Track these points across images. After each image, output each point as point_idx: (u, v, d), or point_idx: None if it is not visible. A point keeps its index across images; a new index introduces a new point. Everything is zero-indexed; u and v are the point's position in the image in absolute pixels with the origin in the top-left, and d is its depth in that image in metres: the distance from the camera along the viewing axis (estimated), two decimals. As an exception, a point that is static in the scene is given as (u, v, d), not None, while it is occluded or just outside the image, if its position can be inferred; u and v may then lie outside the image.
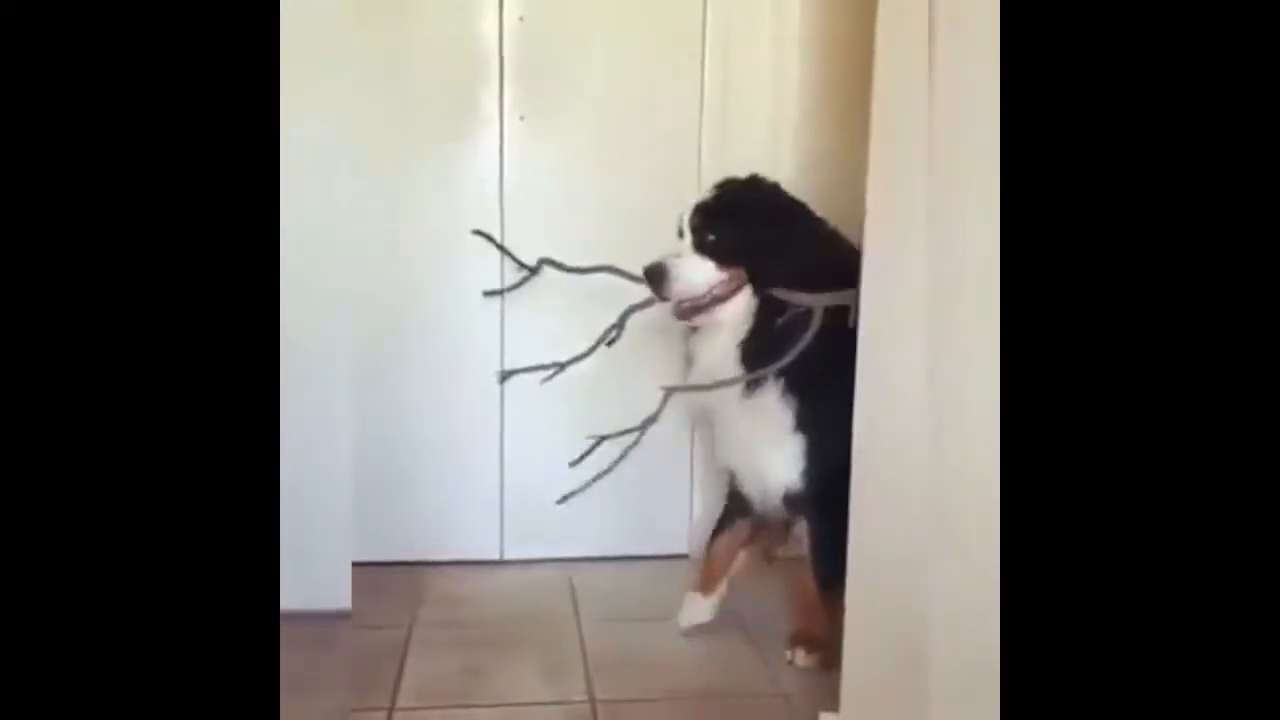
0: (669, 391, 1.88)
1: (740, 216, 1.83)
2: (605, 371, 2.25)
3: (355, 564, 2.23)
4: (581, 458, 2.03)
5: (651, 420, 1.93)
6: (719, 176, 1.99)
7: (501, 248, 2.19)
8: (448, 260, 2.28)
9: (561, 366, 2.08)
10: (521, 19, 2.20)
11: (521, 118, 2.24)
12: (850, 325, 1.55)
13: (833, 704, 1.52)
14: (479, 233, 2.18)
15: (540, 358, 2.24)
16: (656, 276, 1.84)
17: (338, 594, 2.00)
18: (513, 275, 2.22)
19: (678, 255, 1.85)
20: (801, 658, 1.89)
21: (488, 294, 2.24)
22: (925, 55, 1.23)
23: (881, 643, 1.36)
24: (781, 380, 1.80)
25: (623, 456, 2.07)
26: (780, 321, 1.76)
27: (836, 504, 1.50)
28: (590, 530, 2.40)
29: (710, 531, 2.10)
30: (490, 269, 2.27)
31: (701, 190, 1.94)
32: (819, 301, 1.73)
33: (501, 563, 2.38)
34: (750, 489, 1.96)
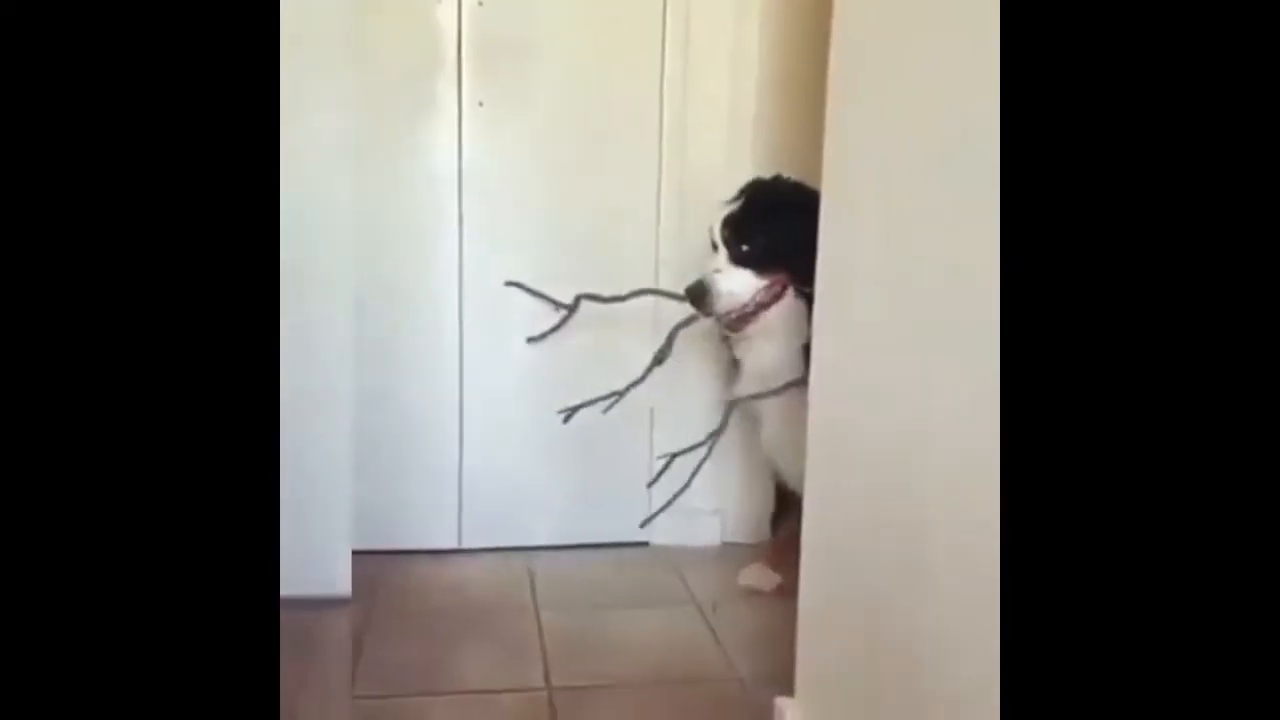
0: (731, 404, 1.96)
1: (769, 221, 1.86)
2: (562, 361, 2.26)
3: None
4: (656, 477, 2.12)
5: (718, 434, 2.02)
6: (681, 164, 2.01)
7: (535, 292, 2.19)
8: (409, 246, 2.26)
9: (620, 394, 2.09)
10: (480, 3, 2.18)
11: (480, 104, 2.23)
12: None
13: (788, 689, 1.53)
14: (513, 283, 2.18)
15: (505, 348, 2.25)
16: (699, 295, 1.88)
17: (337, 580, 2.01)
18: (481, 279, 2.22)
19: (716, 270, 1.89)
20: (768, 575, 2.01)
21: (532, 340, 2.22)
22: (881, 45, 1.24)
23: (837, 627, 1.37)
24: None
25: (694, 474, 2.12)
26: None
27: None
28: (549, 519, 2.40)
29: (770, 515, 2.21)
30: (449, 256, 2.25)
31: (724, 198, 1.96)
32: None
33: (460, 551, 2.37)
34: (795, 483, 1.95)
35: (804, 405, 1.74)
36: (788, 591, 1.90)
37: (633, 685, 1.79)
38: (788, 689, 1.53)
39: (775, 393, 1.89)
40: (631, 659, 1.88)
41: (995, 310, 0.80)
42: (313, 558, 1.95)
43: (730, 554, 2.34)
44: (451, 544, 2.37)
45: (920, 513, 1.12)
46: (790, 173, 1.94)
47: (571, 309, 2.12)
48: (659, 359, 2.03)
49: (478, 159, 2.24)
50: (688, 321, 1.99)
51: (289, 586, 1.17)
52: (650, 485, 2.03)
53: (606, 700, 1.74)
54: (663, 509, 2.15)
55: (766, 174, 2.00)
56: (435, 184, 2.24)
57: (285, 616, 0.92)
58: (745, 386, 2.00)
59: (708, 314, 1.91)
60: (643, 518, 2.43)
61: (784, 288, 1.88)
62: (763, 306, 1.89)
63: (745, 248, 1.88)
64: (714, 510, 2.41)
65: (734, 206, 1.91)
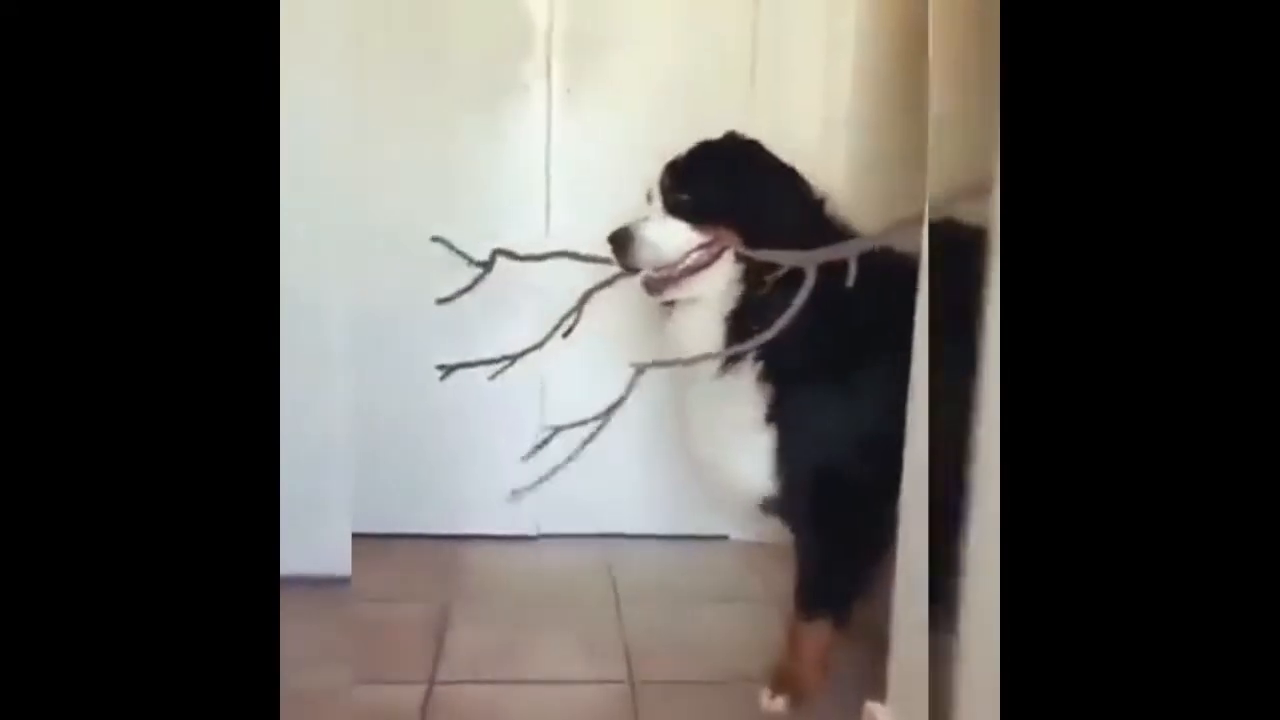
0: (639, 370, 1.52)
1: (718, 172, 1.60)
2: (651, 351, 2.24)
3: (390, 536, 2.25)
4: (533, 451, 1.70)
5: (616, 405, 1.59)
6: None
7: (453, 248, 1.83)
8: (492, 235, 2.26)
9: (512, 360, 1.77)
10: (571, -9, 2.17)
11: (568, 90, 2.21)
12: (849, 285, 1.37)
13: (879, 693, 1.49)
14: (438, 239, 1.83)
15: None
16: (622, 242, 1.60)
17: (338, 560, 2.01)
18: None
19: (645, 219, 1.62)
20: (766, 700, 1.67)
21: (441, 301, 1.83)
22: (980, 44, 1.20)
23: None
24: (760, 362, 1.54)
25: (584, 444, 1.67)
26: (765, 285, 1.48)
27: (826, 516, 1.41)
28: (629, 509, 2.38)
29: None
30: (536, 236, 2.25)
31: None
32: (813, 259, 1.43)
33: (537, 538, 2.37)
34: (715, 490, 1.77)
35: (728, 392, 1.55)
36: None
37: (716, 682, 1.76)
38: (878, 693, 1.49)
39: (680, 363, 1.57)
40: (714, 654, 1.86)
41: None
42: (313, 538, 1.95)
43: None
44: (529, 531, 2.37)
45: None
46: (888, 176, 1.84)
47: (486, 266, 1.79)
48: (566, 330, 1.74)
49: (566, 146, 2.23)
50: (605, 283, 1.71)
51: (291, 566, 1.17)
52: (525, 459, 1.66)
53: (688, 696, 1.72)
54: (534, 486, 1.70)
55: (860, 171, 1.95)
56: (525, 170, 2.23)
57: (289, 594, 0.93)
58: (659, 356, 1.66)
59: (629, 267, 1.61)
60: (724, 512, 2.41)
61: (720, 250, 1.57)
62: (691, 270, 1.58)
63: (684, 196, 1.59)
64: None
65: (680, 154, 1.65)
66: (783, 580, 2.16)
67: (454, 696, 1.68)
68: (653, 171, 2.20)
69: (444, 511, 2.33)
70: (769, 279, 1.48)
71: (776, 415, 1.55)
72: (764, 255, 1.50)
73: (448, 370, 1.75)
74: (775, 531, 2.34)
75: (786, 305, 1.41)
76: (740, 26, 2.22)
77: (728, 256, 1.57)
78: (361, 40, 2.11)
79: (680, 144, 2.18)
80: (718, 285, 1.58)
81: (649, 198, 1.65)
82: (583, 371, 2.28)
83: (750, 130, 2.20)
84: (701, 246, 1.58)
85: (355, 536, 2.31)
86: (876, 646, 1.47)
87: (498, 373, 1.72)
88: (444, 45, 2.18)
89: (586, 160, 2.24)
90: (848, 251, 1.42)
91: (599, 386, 1.59)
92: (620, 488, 2.36)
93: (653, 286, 1.62)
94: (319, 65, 2.09)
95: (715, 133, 2.20)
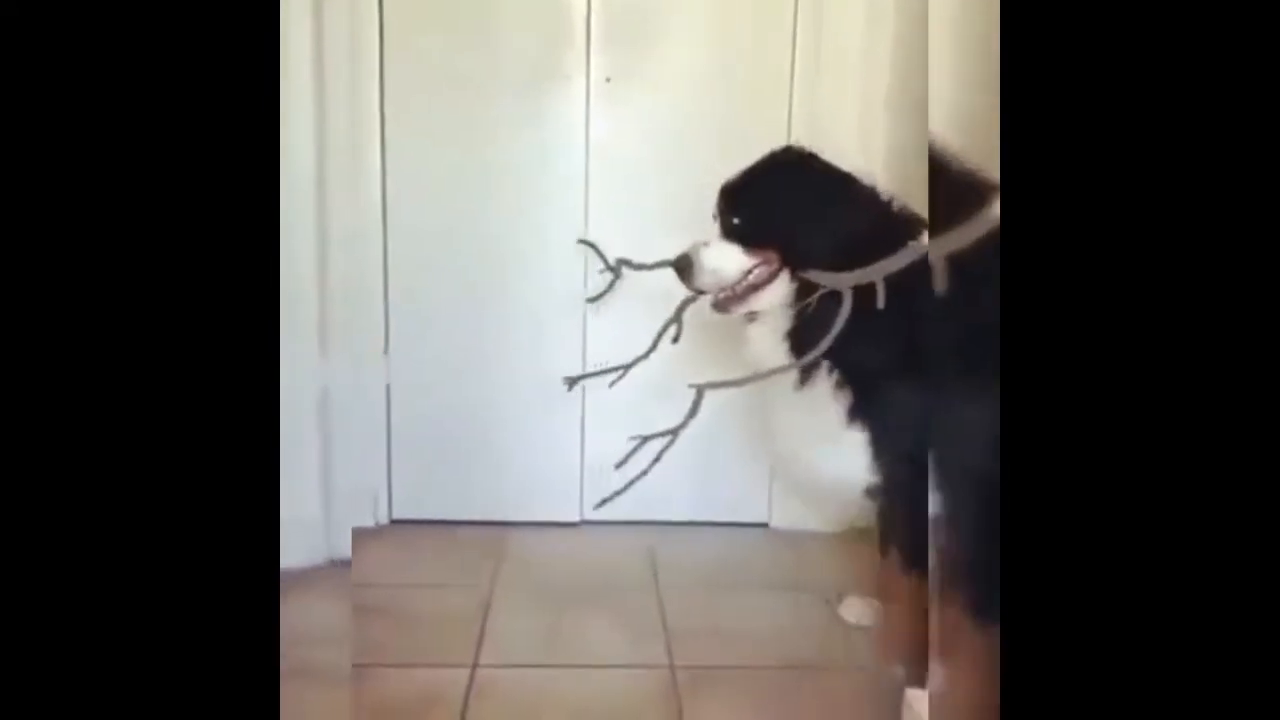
0: (701, 389, 1.60)
1: (766, 194, 1.66)
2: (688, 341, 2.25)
3: (435, 522, 2.29)
4: (626, 459, 1.73)
5: (688, 419, 1.66)
6: (811, 141, 1.93)
7: (598, 251, 1.99)
8: (533, 220, 2.28)
9: (625, 369, 1.90)
10: (610, -23, 2.17)
11: (608, 79, 2.22)
12: (879, 306, 1.46)
13: (918, 681, 1.49)
14: (585, 242, 2.04)
15: (629, 322, 2.25)
16: (684, 269, 1.68)
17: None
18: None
19: (705, 243, 1.69)
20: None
21: (591, 300, 2.07)
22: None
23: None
24: (835, 371, 1.60)
25: (656, 460, 1.73)
26: (809, 305, 1.58)
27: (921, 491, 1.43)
28: (670, 496, 2.40)
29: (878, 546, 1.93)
30: (574, 227, 2.27)
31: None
32: (844, 281, 1.53)
33: (581, 524, 2.40)
34: (801, 483, 1.86)
35: (810, 397, 1.61)
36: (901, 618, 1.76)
37: (757, 668, 1.77)
38: (917, 681, 1.49)
39: (738, 383, 1.64)
40: (755, 641, 1.87)
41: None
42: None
43: (852, 539, 2.30)
44: (574, 518, 2.40)
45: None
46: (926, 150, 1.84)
47: (616, 272, 1.92)
48: (674, 338, 1.82)
49: (605, 136, 2.24)
50: (694, 298, 1.76)
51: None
52: (619, 466, 1.70)
53: (730, 682, 1.73)
54: (620, 492, 1.74)
55: (901, 155, 1.93)
56: (565, 159, 2.25)
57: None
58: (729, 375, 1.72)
59: (694, 290, 1.70)
60: (764, 499, 2.41)
61: (778, 268, 1.63)
62: (754, 288, 1.65)
63: (736, 221, 1.65)
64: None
65: (734, 176, 1.70)
66: (821, 566, 2.18)
67: (497, 680, 1.70)
68: (690, 162, 2.22)
69: (491, 499, 2.37)
70: (812, 299, 1.57)
71: (859, 414, 1.61)
72: (809, 275, 1.58)
73: (573, 382, 1.96)
74: (817, 520, 2.37)
75: (830, 323, 1.52)
76: (779, 14, 2.21)
77: (785, 273, 1.64)
78: (408, 27, 2.14)
79: (718, 136, 2.19)
80: (777, 301, 1.65)
81: (715, 218, 1.72)
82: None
83: (790, 117, 2.23)
84: (757, 266, 1.65)
85: (399, 523, 2.36)
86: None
87: (615, 381, 1.88)
88: (486, 34, 2.20)
89: (624, 151, 2.24)
90: (874, 275, 1.50)
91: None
92: (664, 475, 2.37)
93: (721, 306, 1.70)
94: (359, 59, 2.13)
95: (753, 124, 2.20)
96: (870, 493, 1.70)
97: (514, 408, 2.34)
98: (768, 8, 2.22)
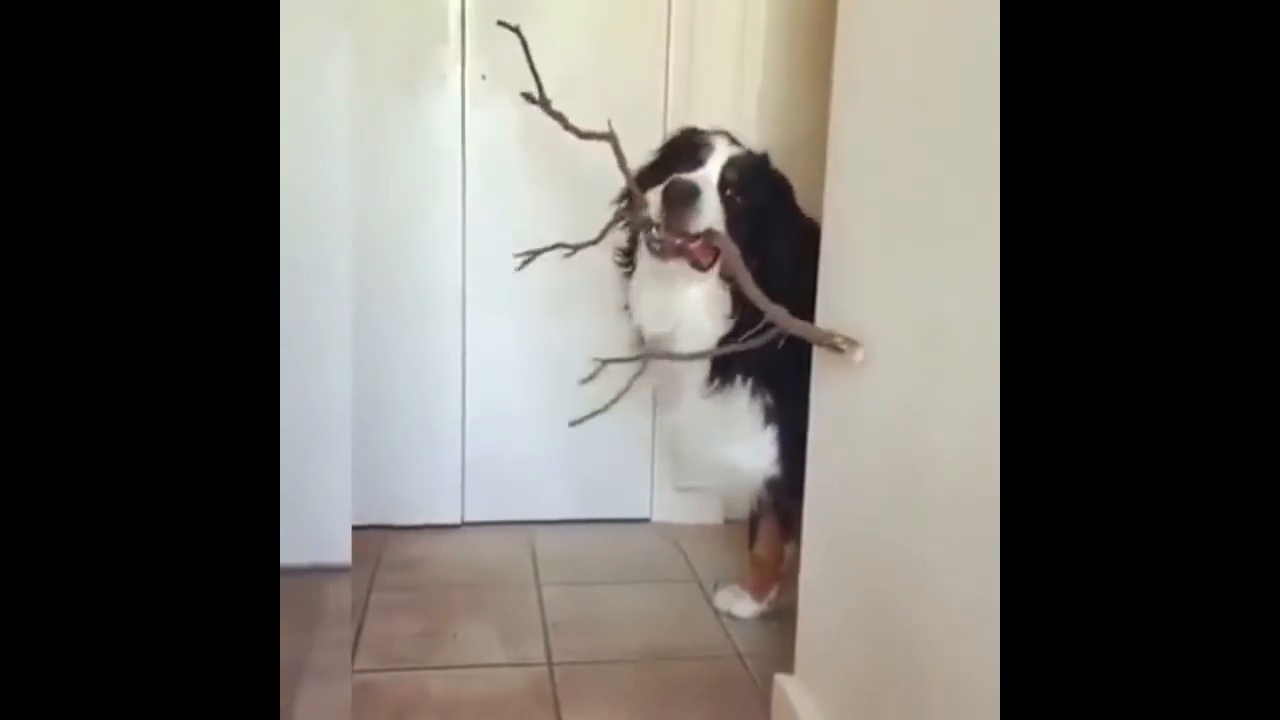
0: (602, 364, 1.47)
1: (755, 195, 1.63)
2: (567, 332, 2.25)
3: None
4: (590, 377, 1.53)
5: (619, 397, 1.49)
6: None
7: (537, 252, 1.81)
8: (411, 219, 2.25)
9: (574, 249, 1.73)
10: (483, -26, 2.16)
11: (483, 77, 2.21)
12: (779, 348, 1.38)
13: (788, 666, 1.53)
14: (523, 253, 1.80)
15: (510, 320, 2.26)
16: (684, 197, 1.51)
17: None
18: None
19: (705, 180, 1.57)
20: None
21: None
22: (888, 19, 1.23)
23: (838, 606, 1.37)
24: (749, 379, 1.69)
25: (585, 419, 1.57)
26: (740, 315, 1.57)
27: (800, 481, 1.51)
28: (551, 494, 2.40)
29: (748, 536, 1.98)
30: (453, 231, 2.25)
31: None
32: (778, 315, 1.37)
33: (462, 526, 2.38)
34: (710, 479, 1.97)
35: (720, 403, 1.67)
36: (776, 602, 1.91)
37: (632, 660, 1.79)
38: (788, 666, 1.53)
39: (634, 359, 1.53)
40: (632, 634, 1.88)
41: (995, 310, 0.81)
42: (312, 527, 1.95)
43: (733, 531, 2.34)
44: (454, 519, 2.37)
45: (923, 491, 1.11)
46: (800, 154, 1.74)
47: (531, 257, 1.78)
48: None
49: (482, 133, 2.23)
50: (639, 224, 1.62)
51: (289, 556, 1.16)
52: (582, 383, 1.49)
53: (606, 675, 1.74)
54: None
55: (771, 150, 1.97)
56: (439, 158, 2.23)
57: (285, 583, 0.92)
58: (652, 335, 1.69)
59: (675, 223, 1.53)
60: (646, 494, 2.43)
61: (715, 258, 1.60)
62: (705, 255, 1.60)
63: (739, 199, 1.59)
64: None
65: (740, 152, 1.66)
66: (701, 558, 2.21)
67: (373, 684, 1.68)
68: (566, 159, 2.22)
69: (374, 504, 2.32)
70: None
71: (773, 418, 1.72)
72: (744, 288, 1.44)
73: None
74: (697, 513, 2.40)
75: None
76: (654, 9, 2.23)
77: (716, 267, 1.62)
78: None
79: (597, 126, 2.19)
80: (710, 288, 1.64)
81: (699, 162, 1.62)
82: (498, 369, 2.31)
83: (665, 112, 2.25)
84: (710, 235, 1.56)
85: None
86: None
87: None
88: (367, 33, 2.16)
89: (502, 149, 2.23)
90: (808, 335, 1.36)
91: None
92: (544, 474, 2.38)
93: (673, 250, 1.58)
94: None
95: (629, 116, 2.21)
96: (769, 484, 1.79)
97: (393, 410, 2.30)
98: (642, 3, 2.23)
